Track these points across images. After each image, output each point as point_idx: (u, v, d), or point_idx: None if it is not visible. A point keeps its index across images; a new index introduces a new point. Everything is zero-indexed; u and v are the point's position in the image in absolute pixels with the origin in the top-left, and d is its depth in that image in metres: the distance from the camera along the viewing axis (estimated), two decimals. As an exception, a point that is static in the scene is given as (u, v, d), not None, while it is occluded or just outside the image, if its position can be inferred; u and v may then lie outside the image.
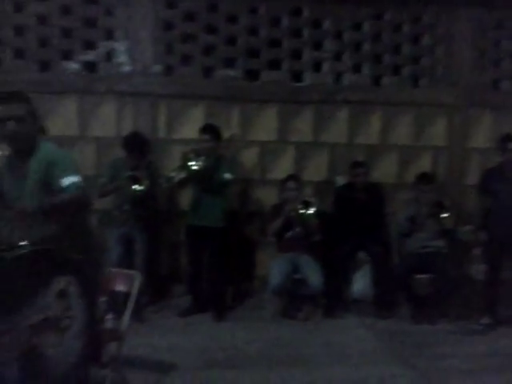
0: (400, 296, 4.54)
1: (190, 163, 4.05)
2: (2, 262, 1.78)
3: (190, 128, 4.76)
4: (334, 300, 4.51)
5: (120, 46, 4.74)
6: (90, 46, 4.77)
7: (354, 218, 4.49)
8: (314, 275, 4.32)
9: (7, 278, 1.80)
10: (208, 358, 3.54)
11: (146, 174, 4.18)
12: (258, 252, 5.05)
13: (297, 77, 5.05)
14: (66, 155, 2.42)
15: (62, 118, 4.67)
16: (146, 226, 4.33)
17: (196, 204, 4.35)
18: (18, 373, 1.87)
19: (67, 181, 2.25)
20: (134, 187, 4.08)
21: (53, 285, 1.97)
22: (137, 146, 4.27)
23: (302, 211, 4.29)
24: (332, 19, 5.06)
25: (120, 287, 2.94)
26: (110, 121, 4.79)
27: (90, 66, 4.78)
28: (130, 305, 2.87)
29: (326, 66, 5.08)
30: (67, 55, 4.76)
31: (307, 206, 4.29)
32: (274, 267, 4.41)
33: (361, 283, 4.66)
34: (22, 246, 1.89)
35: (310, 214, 4.28)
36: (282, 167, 5.00)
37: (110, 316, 2.84)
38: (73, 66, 4.75)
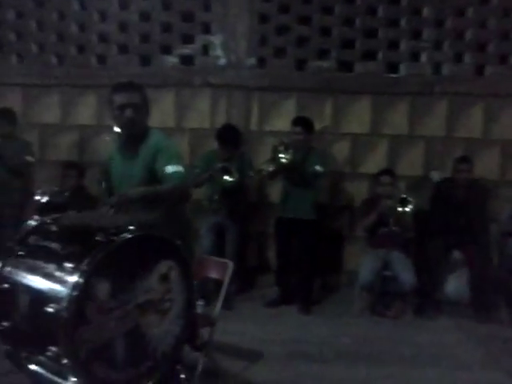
0: (500, 300, 4.27)
1: (279, 155, 4.07)
2: (112, 245, 1.90)
3: (282, 120, 4.79)
4: (426, 299, 4.34)
5: (216, 40, 4.86)
6: (187, 40, 4.94)
7: (452, 216, 4.27)
8: (405, 273, 4.19)
9: (117, 259, 1.92)
10: (295, 349, 3.55)
11: (238, 165, 4.26)
12: (346, 246, 4.98)
13: (393, 67, 4.89)
14: (172, 145, 2.52)
15: (160, 110, 4.86)
16: (237, 217, 4.43)
17: (286, 196, 4.37)
18: (124, 348, 1.99)
19: (171, 169, 2.34)
20: (224, 178, 4.17)
21: (156, 268, 2.07)
22: (229, 137, 4.35)
23: (399, 209, 4.15)
24: (432, 6, 4.83)
25: (213, 274, 3.04)
26: (205, 113, 4.93)
27: (188, 60, 4.95)
28: (223, 292, 2.95)
29: (424, 56, 4.87)
30: (166, 49, 4.96)
31: (405, 203, 4.15)
32: (364, 263, 4.34)
33: (456, 284, 4.44)
34: (129, 230, 2.01)
35: (407, 211, 4.14)
36: (375, 161, 4.87)
37: (200, 302, 2.94)
38: (171, 59, 4.94)
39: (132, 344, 2.03)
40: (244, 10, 4.83)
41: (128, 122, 2.43)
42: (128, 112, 2.41)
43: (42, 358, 2.04)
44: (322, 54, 4.89)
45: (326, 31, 4.87)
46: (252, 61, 4.87)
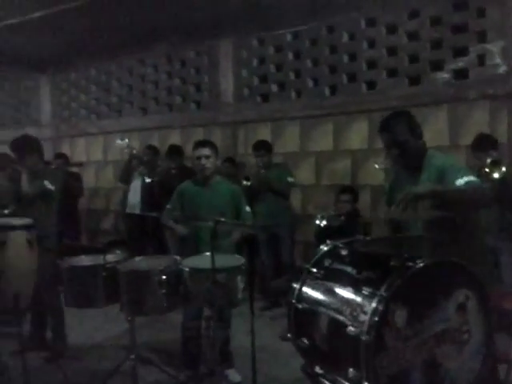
0: None
1: None
2: (409, 271, 1.88)
3: None
4: None
5: (494, 47, 4.46)
6: (460, 52, 4.67)
7: None
8: None
9: (413, 286, 1.88)
10: None
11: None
12: None
13: None
14: (454, 160, 2.47)
15: (432, 128, 4.70)
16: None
17: None
18: (420, 380, 1.93)
19: (463, 181, 2.26)
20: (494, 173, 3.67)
21: (453, 297, 1.96)
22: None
23: None
24: None
25: (507, 306, 2.73)
26: (483, 127, 4.53)
27: (462, 74, 4.67)
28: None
29: None
30: (437, 66, 4.78)
31: None
32: None
33: None
34: (424, 256, 1.96)
35: None
36: None
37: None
38: (443, 75, 4.73)
39: (428, 376, 1.95)
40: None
41: (395, 158, 2.56)
42: (394, 151, 2.51)
43: (338, 377, 2.13)
44: None
45: None
46: (539, 64, 4.30)
